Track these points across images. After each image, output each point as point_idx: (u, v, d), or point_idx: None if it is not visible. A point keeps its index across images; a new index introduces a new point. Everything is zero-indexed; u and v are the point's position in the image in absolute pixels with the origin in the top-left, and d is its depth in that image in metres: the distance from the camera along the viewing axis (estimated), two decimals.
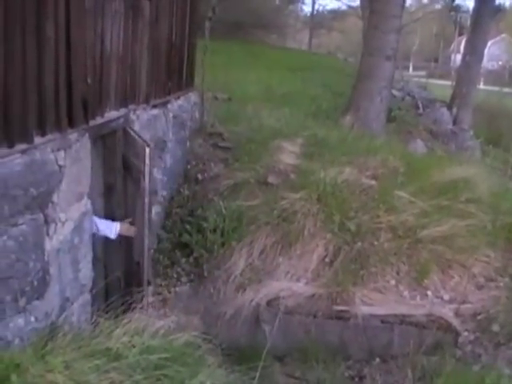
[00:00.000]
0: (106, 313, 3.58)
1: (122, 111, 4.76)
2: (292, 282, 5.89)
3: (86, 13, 3.76)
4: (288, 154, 7.23)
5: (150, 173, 4.69)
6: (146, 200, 4.71)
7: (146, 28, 5.19)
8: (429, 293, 5.91)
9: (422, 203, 6.47)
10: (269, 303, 5.73)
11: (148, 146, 4.59)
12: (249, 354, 4.97)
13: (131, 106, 5.00)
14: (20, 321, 3.11)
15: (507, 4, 43.99)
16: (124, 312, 3.73)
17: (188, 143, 7.36)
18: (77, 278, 3.91)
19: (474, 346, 5.50)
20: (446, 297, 5.88)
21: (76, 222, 3.81)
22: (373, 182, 6.83)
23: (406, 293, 5.89)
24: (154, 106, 5.71)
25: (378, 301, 5.76)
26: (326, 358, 5.48)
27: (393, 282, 5.95)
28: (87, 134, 3.91)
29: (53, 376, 2.60)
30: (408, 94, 13.83)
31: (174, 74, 6.45)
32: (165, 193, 6.29)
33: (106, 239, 4.82)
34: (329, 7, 68.39)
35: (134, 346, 3.07)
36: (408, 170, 7.18)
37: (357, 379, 5.49)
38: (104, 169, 4.97)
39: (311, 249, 6.05)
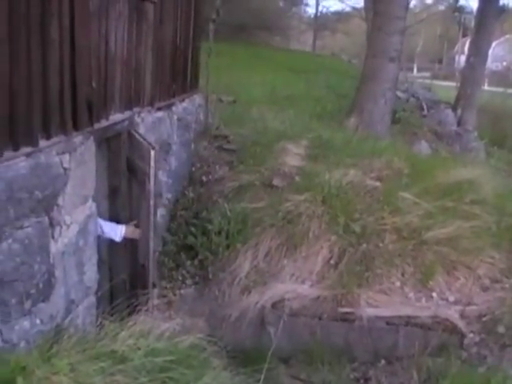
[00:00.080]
0: (111, 315, 3.57)
1: (127, 114, 4.77)
2: (297, 284, 5.89)
3: (90, 15, 3.77)
4: (293, 156, 7.23)
5: (155, 175, 4.70)
6: (151, 202, 4.72)
7: (150, 30, 5.20)
8: (434, 294, 5.90)
9: (427, 204, 6.46)
10: (274, 305, 5.73)
11: (153, 148, 4.60)
12: (254, 356, 4.96)
13: (136, 109, 5.00)
14: (25, 323, 3.11)
15: (511, 5, 43.89)
16: (129, 314, 3.73)
17: (193, 145, 7.36)
18: (82, 280, 3.91)
19: (480, 347, 5.48)
20: (452, 298, 5.87)
21: (81, 225, 3.81)
22: (377, 184, 6.82)
23: (411, 294, 5.88)
24: (159, 109, 5.72)
25: (383, 302, 5.76)
26: (332, 360, 5.50)
27: (398, 284, 5.94)
28: (92, 137, 3.92)
29: (58, 378, 2.60)
30: (412, 95, 13.78)
31: (179, 76, 6.45)
32: (170, 195, 6.30)
33: (111, 242, 4.82)
34: (332, 9, 68.83)
35: (139, 349, 3.06)
36: (412, 171, 7.17)
37: (362, 381, 5.49)
38: (109, 171, 4.98)
39: (316, 251, 6.04)
